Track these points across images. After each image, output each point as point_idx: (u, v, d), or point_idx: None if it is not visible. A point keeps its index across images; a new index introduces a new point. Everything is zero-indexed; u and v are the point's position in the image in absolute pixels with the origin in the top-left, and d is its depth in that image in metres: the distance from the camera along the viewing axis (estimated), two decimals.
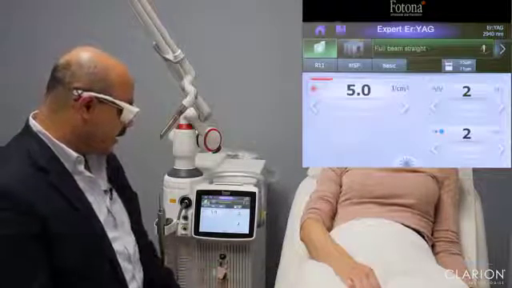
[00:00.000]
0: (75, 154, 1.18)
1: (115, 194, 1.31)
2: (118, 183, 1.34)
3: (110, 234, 1.22)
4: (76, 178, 1.19)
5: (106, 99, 1.18)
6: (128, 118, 1.23)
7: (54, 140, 1.17)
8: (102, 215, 1.22)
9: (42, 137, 1.17)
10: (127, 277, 1.25)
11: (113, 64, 1.21)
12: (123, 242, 1.27)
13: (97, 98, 1.17)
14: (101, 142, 1.24)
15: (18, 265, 1.07)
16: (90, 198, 1.20)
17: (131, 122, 1.25)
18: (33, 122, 1.19)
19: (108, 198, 1.27)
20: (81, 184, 1.20)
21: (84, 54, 1.19)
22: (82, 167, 1.20)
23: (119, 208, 1.31)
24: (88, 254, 1.16)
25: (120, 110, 1.21)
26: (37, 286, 1.07)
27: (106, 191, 1.27)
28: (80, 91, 1.15)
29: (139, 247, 1.34)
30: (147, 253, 1.40)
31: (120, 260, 1.23)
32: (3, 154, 1.17)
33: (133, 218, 1.35)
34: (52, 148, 1.17)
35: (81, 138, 1.19)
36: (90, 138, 1.20)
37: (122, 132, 1.28)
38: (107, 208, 1.25)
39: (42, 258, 1.09)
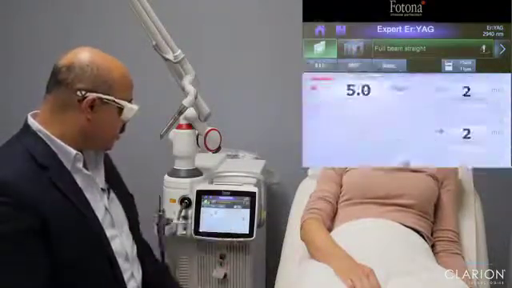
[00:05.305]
0: (74, 151, 1.20)
1: (113, 194, 1.31)
2: (115, 183, 1.34)
3: (108, 233, 1.23)
4: (74, 175, 1.20)
5: (108, 99, 1.20)
6: (129, 117, 1.26)
7: (53, 137, 1.18)
8: (99, 213, 1.22)
9: (40, 135, 1.18)
10: (125, 276, 1.25)
11: (114, 65, 1.23)
12: (121, 241, 1.27)
13: (100, 98, 1.19)
14: (104, 139, 1.27)
15: (16, 260, 1.07)
16: (88, 196, 1.21)
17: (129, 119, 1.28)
18: (31, 121, 1.20)
19: (105, 197, 1.28)
20: (79, 182, 1.20)
21: (85, 55, 1.20)
22: (80, 164, 1.21)
23: (117, 207, 1.32)
24: (86, 252, 1.17)
25: (121, 109, 1.24)
26: (34, 283, 1.08)
27: (103, 190, 1.28)
28: (84, 92, 1.18)
29: (136, 246, 1.35)
30: (142, 248, 1.40)
31: (118, 258, 1.24)
32: (3, 153, 1.19)
33: (130, 218, 1.35)
34: (51, 146, 1.18)
35: (84, 137, 1.21)
36: (93, 136, 1.23)
37: (122, 129, 1.30)
38: (105, 206, 1.26)
39: (40, 254, 1.10)
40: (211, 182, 1.85)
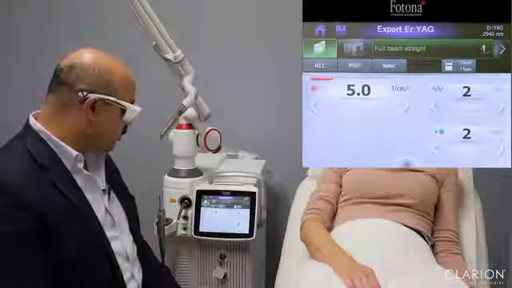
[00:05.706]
0: (75, 152, 1.19)
1: (113, 194, 1.31)
2: (116, 184, 1.34)
3: (108, 233, 1.23)
4: (75, 176, 1.20)
5: (110, 100, 1.20)
6: (131, 118, 1.26)
7: (55, 138, 1.18)
8: (99, 214, 1.23)
9: (41, 135, 1.18)
10: (126, 276, 1.26)
11: (116, 66, 1.23)
12: (121, 242, 1.27)
13: (102, 99, 1.19)
14: (105, 140, 1.27)
15: (16, 261, 1.08)
16: (88, 197, 1.21)
17: (131, 121, 1.28)
18: (33, 121, 1.20)
19: (106, 198, 1.27)
20: (79, 182, 1.20)
21: (87, 56, 1.20)
22: (81, 165, 1.21)
23: (117, 207, 1.32)
24: (86, 252, 1.17)
25: (123, 110, 1.24)
26: (34, 283, 1.08)
27: (104, 190, 1.28)
28: (85, 93, 1.18)
29: (136, 247, 1.35)
30: (143, 249, 1.40)
31: (118, 259, 1.24)
32: (4, 153, 1.19)
33: (131, 219, 1.35)
34: (52, 146, 1.18)
35: (85, 138, 1.21)
36: (95, 137, 1.23)
37: (124, 130, 1.30)
38: (105, 207, 1.26)
39: (41, 255, 1.10)
40: (211, 182, 1.85)
